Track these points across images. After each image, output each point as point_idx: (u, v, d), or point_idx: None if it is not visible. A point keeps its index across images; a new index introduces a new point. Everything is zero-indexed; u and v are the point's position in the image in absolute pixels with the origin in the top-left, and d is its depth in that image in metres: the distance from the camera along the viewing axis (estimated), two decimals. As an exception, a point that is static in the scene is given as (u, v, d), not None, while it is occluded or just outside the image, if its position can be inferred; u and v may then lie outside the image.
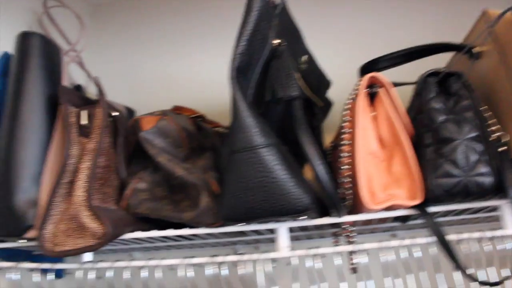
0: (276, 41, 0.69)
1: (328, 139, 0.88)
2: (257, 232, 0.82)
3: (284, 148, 0.63)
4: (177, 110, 0.81)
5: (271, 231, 0.80)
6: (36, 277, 0.75)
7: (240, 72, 0.63)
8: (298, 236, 0.89)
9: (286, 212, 0.61)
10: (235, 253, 0.97)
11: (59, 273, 0.94)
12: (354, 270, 0.76)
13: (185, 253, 0.99)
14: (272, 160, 0.60)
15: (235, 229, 0.69)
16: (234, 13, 0.68)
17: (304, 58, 0.78)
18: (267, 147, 0.60)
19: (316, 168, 0.60)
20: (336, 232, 0.83)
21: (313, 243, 0.93)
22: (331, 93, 0.89)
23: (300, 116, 0.63)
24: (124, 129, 0.76)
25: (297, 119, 0.63)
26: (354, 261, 0.75)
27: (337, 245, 0.71)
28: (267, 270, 0.68)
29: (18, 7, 0.93)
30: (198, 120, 0.83)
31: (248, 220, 0.63)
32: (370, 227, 0.82)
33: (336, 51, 1.08)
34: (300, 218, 0.64)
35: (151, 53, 1.22)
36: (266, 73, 0.69)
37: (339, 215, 0.65)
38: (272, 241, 0.93)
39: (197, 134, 0.76)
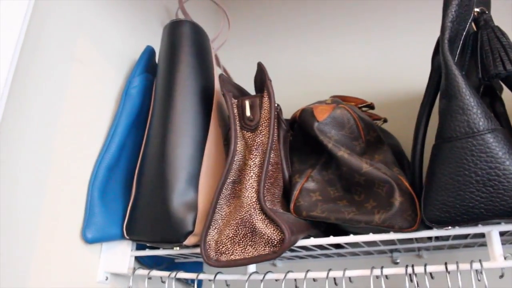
0: (477, 9, 0.58)
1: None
2: (438, 237, 0.70)
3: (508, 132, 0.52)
4: (340, 99, 0.71)
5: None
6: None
7: (450, 45, 0.53)
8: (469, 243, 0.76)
9: (518, 213, 0.49)
10: (394, 262, 0.86)
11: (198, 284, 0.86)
12: None
13: (334, 263, 0.89)
14: (500, 148, 0.49)
15: (435, 233, 0.58)
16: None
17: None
18: (493, 132, 0.50)
19: None
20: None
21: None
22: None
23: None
24: (284, 122, 0.68)
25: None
26: None
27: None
28: (478, 284, 0.56)
29: (152, 4, 0.88)
30: (365, 110, 0.72)
31: (464, 222, 0.52)
32: None
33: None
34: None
35: (286, 46, 1.14)
36: (464, 46, 0.59)
37: None
38: (439, 248, 0.81)
39: (374, 125, 0.66)
